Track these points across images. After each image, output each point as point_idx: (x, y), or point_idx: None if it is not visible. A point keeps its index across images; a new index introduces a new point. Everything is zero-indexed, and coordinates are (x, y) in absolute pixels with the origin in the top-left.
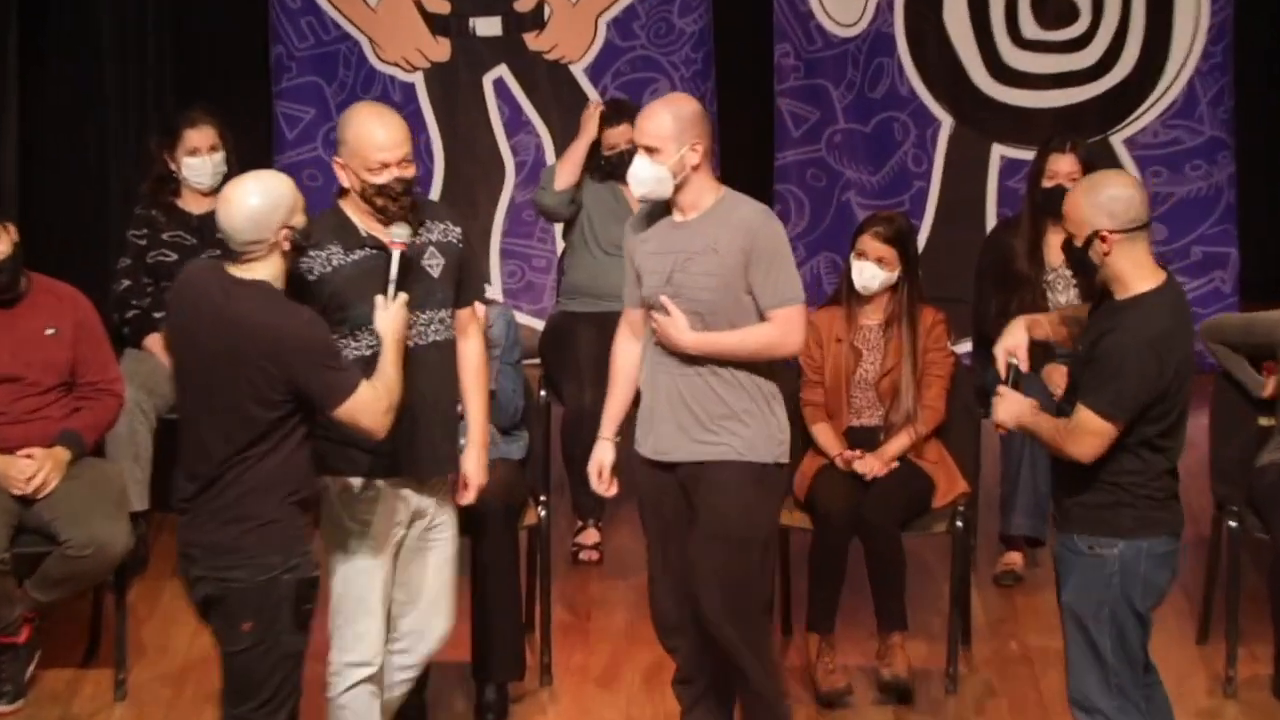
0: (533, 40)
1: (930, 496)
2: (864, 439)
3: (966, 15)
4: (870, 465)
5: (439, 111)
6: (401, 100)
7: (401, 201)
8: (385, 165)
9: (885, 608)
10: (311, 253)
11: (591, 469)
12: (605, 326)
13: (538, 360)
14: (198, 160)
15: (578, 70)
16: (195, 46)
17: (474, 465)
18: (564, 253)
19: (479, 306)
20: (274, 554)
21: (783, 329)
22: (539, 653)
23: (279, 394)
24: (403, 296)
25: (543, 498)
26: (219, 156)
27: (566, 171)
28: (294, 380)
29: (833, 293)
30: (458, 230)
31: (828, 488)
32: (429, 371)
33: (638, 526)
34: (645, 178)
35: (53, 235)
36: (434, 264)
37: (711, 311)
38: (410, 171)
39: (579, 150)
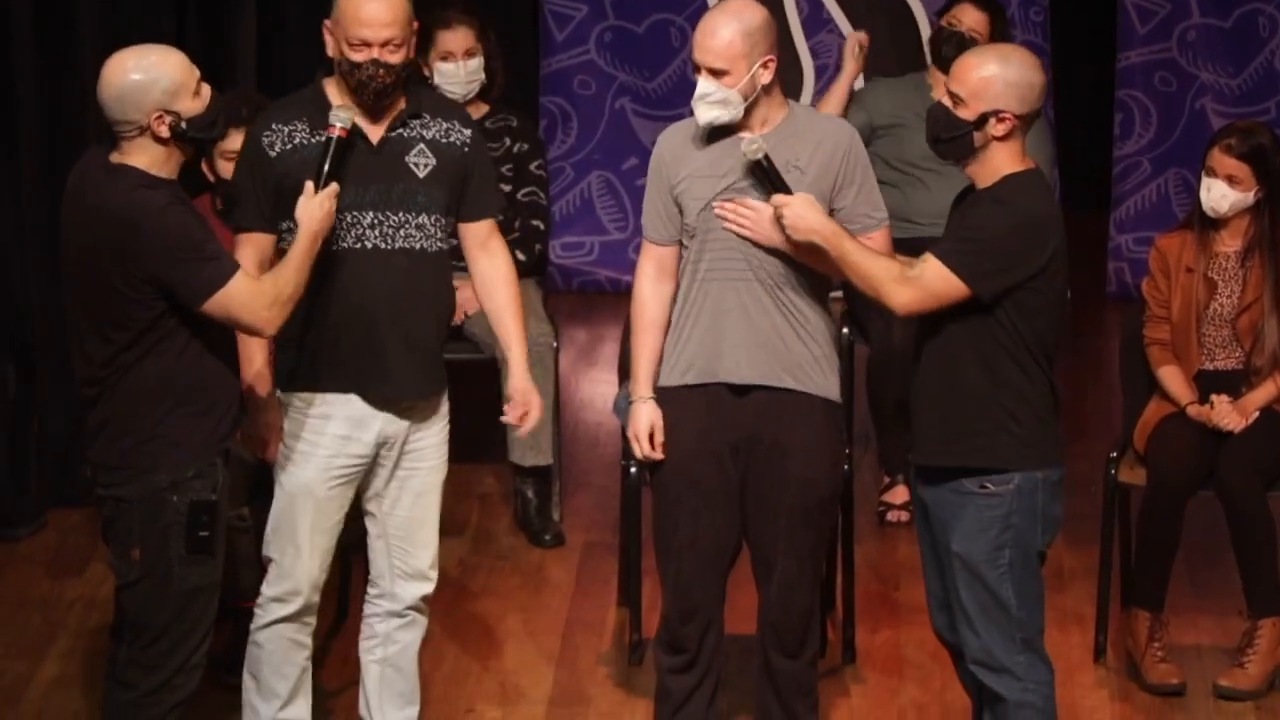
0: None
1: None
2: (1218, 385)
3: None
4: (1230, 419)
5: None
6: None
7: (376, 93)
8: (366, 44)
9: (1255, 586)
10: (275, 126)
11: (642, 433)
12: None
13: (839, 293)
14: (451, 66)
15: None
16: None
17: (524, 384)
18: None
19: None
20: (161, 471)
21: (890, 251)
22: (841, 628)
23: (142, 290)
24: (333, 188)
25: (845, 450)
26: (475, 63)
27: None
28: (153, 274)
29: (1185, 216)
30: (466, 133)
31: (1174, 440)
32: (393, 279)
33: None
34: (713, 103)
35: None
36: (420, 162)
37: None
38: (396, 58)
39: (840, 92)
